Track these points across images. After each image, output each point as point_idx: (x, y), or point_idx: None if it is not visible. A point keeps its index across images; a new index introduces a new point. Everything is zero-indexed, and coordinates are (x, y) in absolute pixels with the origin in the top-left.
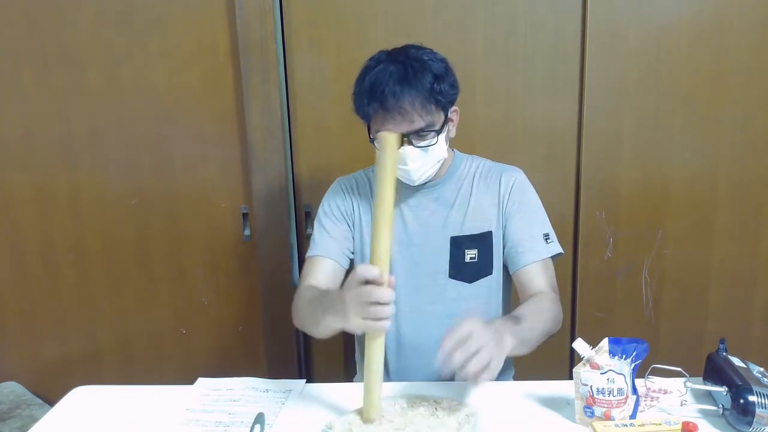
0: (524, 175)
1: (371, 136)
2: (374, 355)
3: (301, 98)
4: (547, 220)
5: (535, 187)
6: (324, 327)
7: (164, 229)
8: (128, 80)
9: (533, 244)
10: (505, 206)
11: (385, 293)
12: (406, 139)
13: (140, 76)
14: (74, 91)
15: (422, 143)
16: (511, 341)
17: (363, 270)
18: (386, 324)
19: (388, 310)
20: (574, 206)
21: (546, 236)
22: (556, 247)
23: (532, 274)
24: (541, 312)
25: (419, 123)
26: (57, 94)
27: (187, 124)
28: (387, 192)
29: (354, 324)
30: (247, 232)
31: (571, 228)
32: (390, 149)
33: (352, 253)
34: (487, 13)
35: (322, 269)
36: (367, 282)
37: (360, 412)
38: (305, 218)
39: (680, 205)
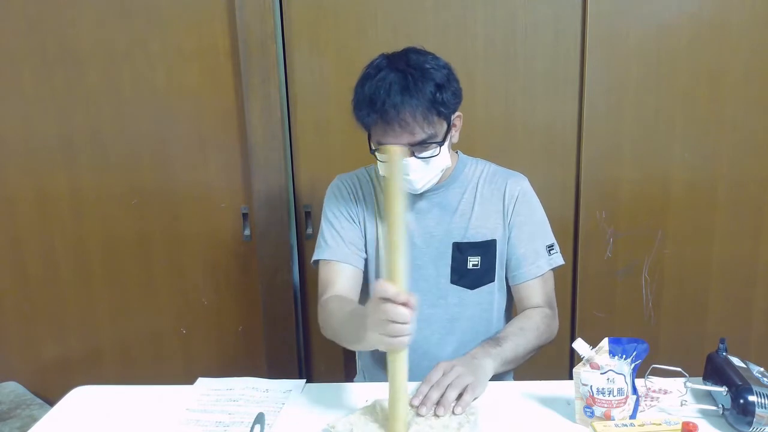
0: (528, 182)
1: (372, 146)
2: (397, 372)
3: (301, 98)
4: (550, 229)
5: (535, 189)
6: (367, 344)
7: (164, 229)
8: (128, 80)
9: (536, 258)
10: (510, 216)
11: (401, 312)
12: (408, 149)
13: (140, 76)
14: (74, 91)
15: (424, 154)
16: (491, 364)
17: (380, 288)
18: (405, 341)
19: (407, 328)
20: (574, 206)
21: (550, 247)
22: (558, 259)
23: (531, 289)
24: (529, 329)
25: (420, 135)
26: (57, 94)
27: (187, 124)
28: (397, 207)
29: (374, 340)
30: (247, 232)
31: (571, 228)
32: (397, 163)
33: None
34: (487, 13)
35: (343, 276)
36: (386, 299)
37: (363, 412)
38: (305, 218)
39: (680, 205)
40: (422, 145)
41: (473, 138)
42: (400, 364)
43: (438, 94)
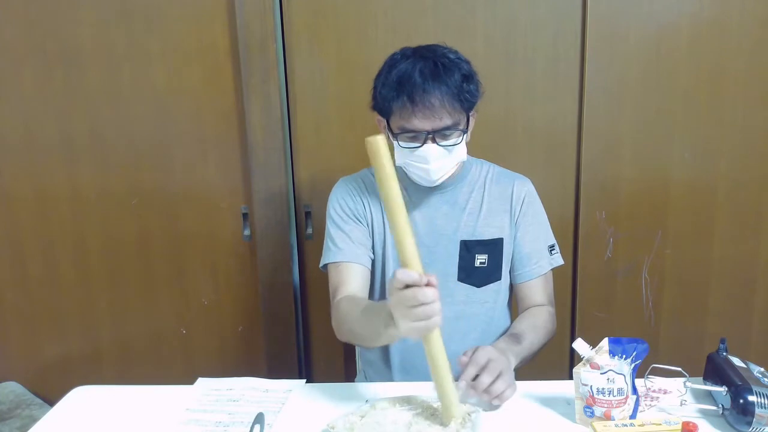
0: (532, 185)
1: (393, 131)
2: (436, 354)
3: (301, 98)
4: (551, 230)
5: (535, 189)
6: (386, 338)
7: (164, 229)
8: (128, 80)
9: (539, 257)
10: (516, 215)
11: (428, 293)
12: (430, 137)
13: (140, 76)
14: (74, 91)
15: (446, 142)
16: (514, 362)
17: (402, 275)
18: (438, 320)
19: (436, 307)
20: (574, 206)
21: (551, 247)
22: (558, 259)
23: (534, 288)
24: (539, 327)
25: (446, 120)
26: (57, 94)
27: (187, 124)
28: (394, 193)
29: (405, 329)
30: (247, 232)
31: (571, 228)
32: (384, 151)
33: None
34: (487, 13)
35: (353, 275)
36: (408, 286)
37: (363, 412)
38: (305, 218)
39: (680, 205)
40: (445, 132)
41: (473, 138)
42: (436, 344)
43: (465, 84)
